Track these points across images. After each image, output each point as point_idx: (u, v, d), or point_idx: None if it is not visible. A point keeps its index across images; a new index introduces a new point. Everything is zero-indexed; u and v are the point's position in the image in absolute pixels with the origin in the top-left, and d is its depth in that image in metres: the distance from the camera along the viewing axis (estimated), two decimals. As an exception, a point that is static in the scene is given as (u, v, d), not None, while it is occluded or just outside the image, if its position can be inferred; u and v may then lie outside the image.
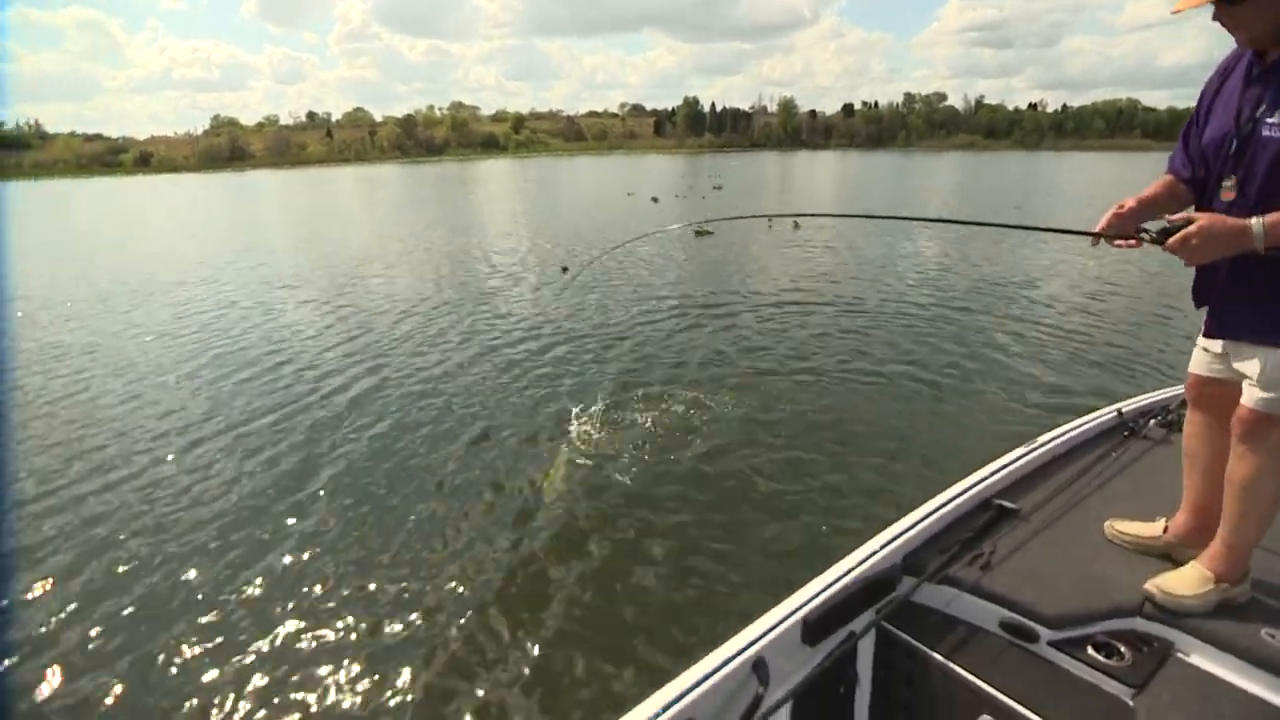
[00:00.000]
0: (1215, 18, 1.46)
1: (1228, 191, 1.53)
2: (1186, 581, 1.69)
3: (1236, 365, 1.63)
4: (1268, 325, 1.53)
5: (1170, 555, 1.88)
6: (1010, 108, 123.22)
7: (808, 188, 31.30)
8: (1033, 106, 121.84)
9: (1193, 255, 1.48)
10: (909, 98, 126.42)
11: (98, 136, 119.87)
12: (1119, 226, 1.70)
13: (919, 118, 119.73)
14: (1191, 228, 1.45)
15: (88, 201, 40.03)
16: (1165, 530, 1.90)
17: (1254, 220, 1.41)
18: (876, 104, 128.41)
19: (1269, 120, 1.43)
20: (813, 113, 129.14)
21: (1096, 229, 1.72)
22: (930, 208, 20.97)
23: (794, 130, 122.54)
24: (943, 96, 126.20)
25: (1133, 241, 1.65)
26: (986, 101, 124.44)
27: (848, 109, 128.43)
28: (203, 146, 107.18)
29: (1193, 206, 1.68)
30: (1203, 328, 1.75)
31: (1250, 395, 1.57)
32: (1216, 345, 1.71)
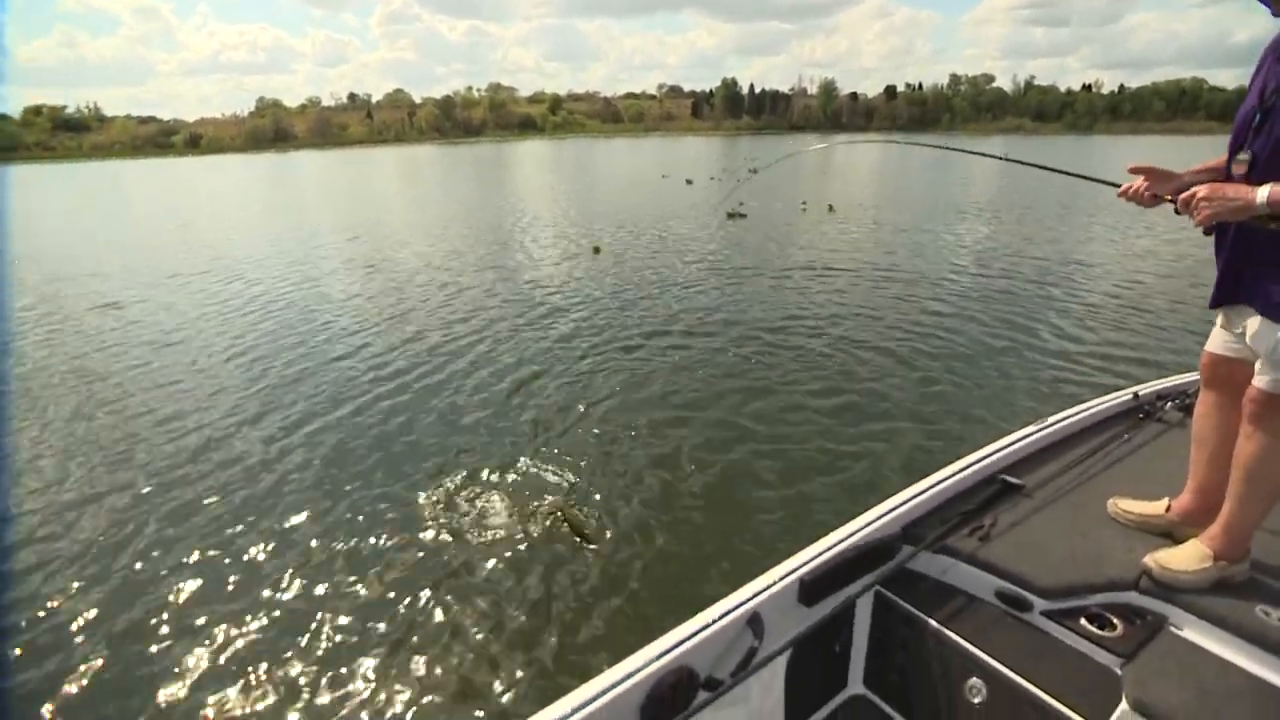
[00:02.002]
0: None
1: (1239, 165, 1.54)
2: (1185, 557, 1.70)
3: (1250, 343, 1.62)
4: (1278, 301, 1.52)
5: (1171, 534, 1.88)
6: (1063, 89, 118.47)
7: (847, 172, 30.67)
8: (1086, 88, 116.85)
9: (1199, 214, 1.50)
10: (954, 79, 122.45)
11: (151, 119, 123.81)
12: (1141, 186, 1.74)
13: (964, 100, 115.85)
14: (1199, 188, 1.49)
15: (150, 182, 41.34)
16: (1168, 509, 1.90)
17: (1261, 188, 1.41)
18: (920, 86, 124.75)
19: None
20: (854, 95, 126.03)
21: (1123, 187, 1.79)
22: (975, 188, 20.42)
23: (834, 113, 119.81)
24: (990, 78, 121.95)
25: (1148, 199, 1.72)
26: (1037, 83, 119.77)
27: (890, 91, 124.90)
28: (249, 128, 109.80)
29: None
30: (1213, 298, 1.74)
31: (1260, 376, 1.57)
32: (1235, 324, 1.70)
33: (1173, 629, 1.67)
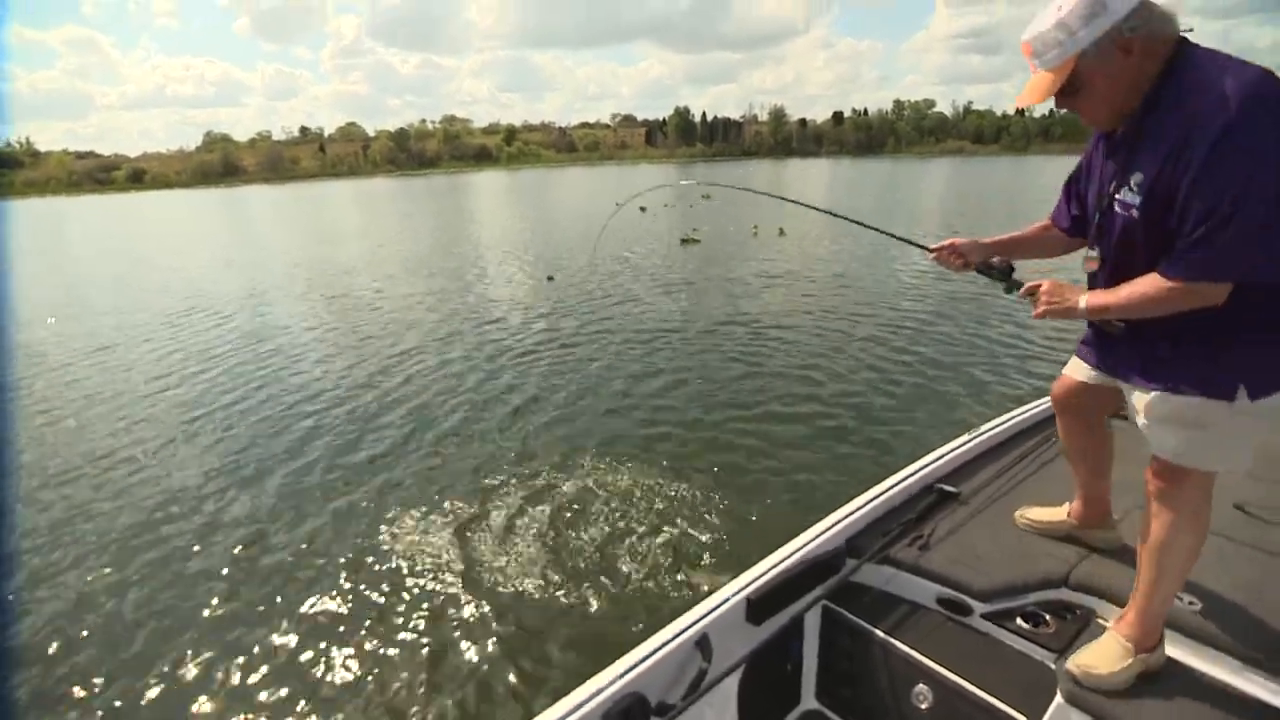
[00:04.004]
0: (1058, 108, 1.44)
1: (1090, 262, 1.57)
2: (1106, 657, 1.56)
3: (1134, 406, 1.55)
4: (1164, 369, 1.45)
5: (1075, 537, 1.97)
6: (999, 113, 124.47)
7: (799, 196, 31.49)
8: (1020, 112, 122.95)
9: (1036, 310, 1.56)
10: (898, 105, 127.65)
11: (90, 154, 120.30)
12: (949, 251, 1.83)
13: (908, 124, 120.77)
14: (1043, 283, 1.56)
15: (96, 220, 39.83)
16: (1068, 515, 1.98)
17: (1082, 296, 1.49)
18: (866, 111, 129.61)
19: (1116, 197, 1.43)
20: (803, 121, 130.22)
21: (933, 249, 1.86)
22: (924, 206, 21.26)
23: (784, 139, 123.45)
24: (932, 103, 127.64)
25: (958, 266, 1.81)
26: (975, 107, 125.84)
27: (838, 117, 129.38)
28: (195, 163, 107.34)
29: (1061, 252, 1.78)
30: (1086, 349, 1.74)
31: (1161, 446, 1.48)
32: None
33: (1100, 621, 1.74)
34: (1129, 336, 1.51)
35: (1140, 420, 1.52)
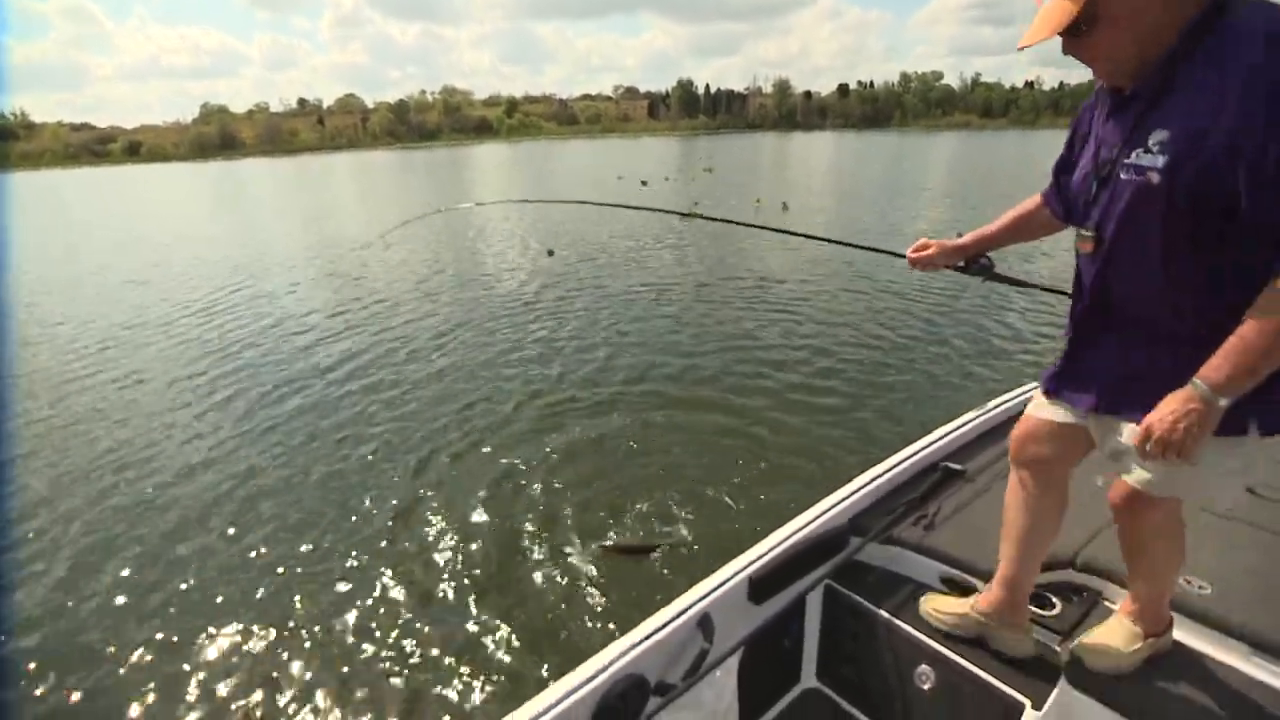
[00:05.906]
0: (1066, 52, 1.20)
1: (1085, 243, 1.32)
2: (1113, 640, 1.50)
3: (1107, 435, 1.37)
4: (1157, 399, 1.20)
5: (981, 636, 1.68)
6: (1008, 86, 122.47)
7: (804, 168, 31.13)
8: (1029, 85, 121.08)
9: (1171, 451, 1.18)
10: (905, 77, 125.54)
11: (86, 125, 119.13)
12: (928, 257, 1.80)
13: (915, 97, 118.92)
14: (1146, 425, 1.19)
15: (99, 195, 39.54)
16: (972, 608, 1.68)
17: (1197, 389, 1.11)
18: (872, 84, 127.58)
19: (1125, 161, 1.18)
20: (808, 94, 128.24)
21: (911, 256, 1.83)
22: (930, 178, 21.05)
23: (789, 111, 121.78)
24: (939, 76, 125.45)
25: (939, 267, 1.81)
26: (984, 80, 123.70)
27: (843, 89, 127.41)
28: (192, 135, 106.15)
29: (1048, 234, 1.67)
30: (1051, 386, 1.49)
31: (1135, 474, 1.31)
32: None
33: (1106, 604, 1.72)
34: (1123, 360, 1.32)
35: (1114, 451, 1.35)
